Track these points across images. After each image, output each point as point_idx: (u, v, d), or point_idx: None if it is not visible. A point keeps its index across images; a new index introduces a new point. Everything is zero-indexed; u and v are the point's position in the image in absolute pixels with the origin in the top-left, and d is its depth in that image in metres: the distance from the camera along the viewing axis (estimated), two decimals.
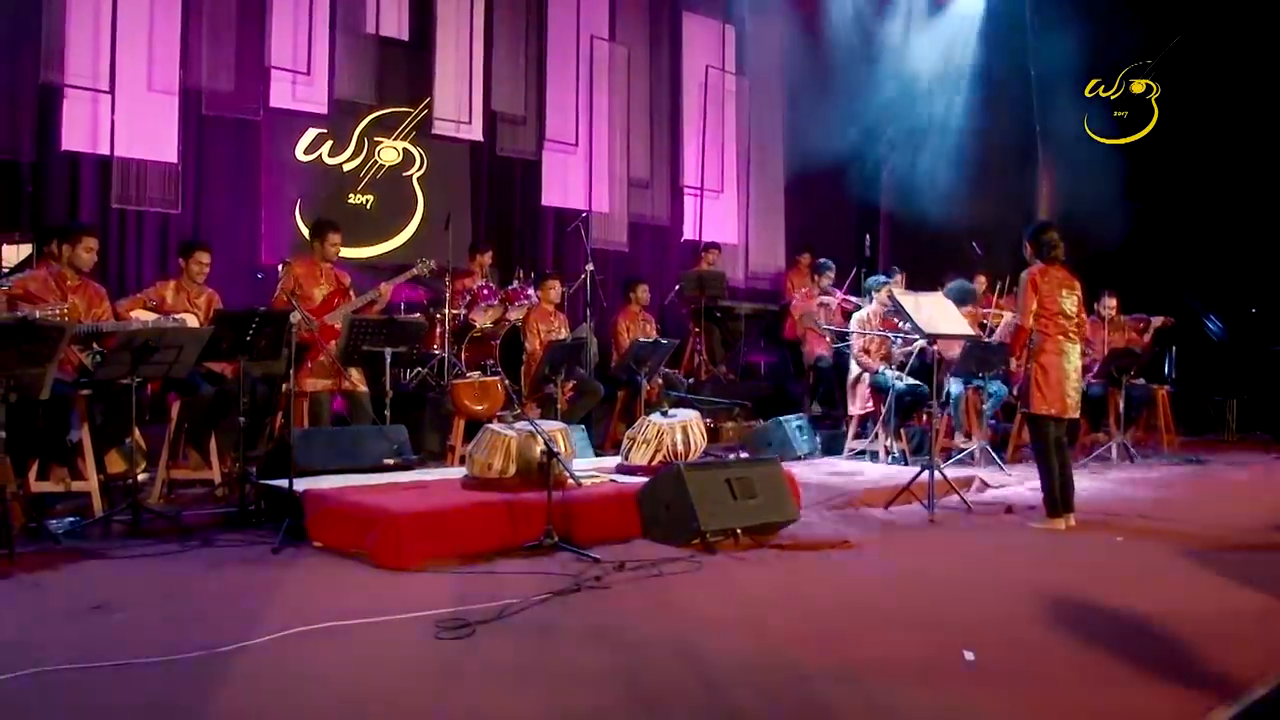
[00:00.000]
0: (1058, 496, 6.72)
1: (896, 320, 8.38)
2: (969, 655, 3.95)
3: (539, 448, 5.73)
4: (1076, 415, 6.97)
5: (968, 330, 7.77)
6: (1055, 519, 6.71)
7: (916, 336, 7.66)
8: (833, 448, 9.78)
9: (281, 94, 10.42)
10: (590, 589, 4.86)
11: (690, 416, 6.87)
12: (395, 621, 4.28)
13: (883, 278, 9.41)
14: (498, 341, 9.61)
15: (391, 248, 11.26)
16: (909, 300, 7.29)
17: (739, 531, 5.86)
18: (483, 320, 9.84)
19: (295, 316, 6.17)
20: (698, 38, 13.76)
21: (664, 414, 6.87)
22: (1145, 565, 5.79)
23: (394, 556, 5.20)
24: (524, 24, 12.09)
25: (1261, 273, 13.05)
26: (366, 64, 10.96)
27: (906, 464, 8.99)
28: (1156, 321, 10.60)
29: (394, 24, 11.11)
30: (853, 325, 9.22)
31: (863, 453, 9.41)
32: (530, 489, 5.78)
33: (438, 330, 9.63)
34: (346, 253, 10.66)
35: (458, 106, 11.52)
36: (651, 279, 12.28)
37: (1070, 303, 6.85)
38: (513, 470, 5.89)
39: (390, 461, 6.56)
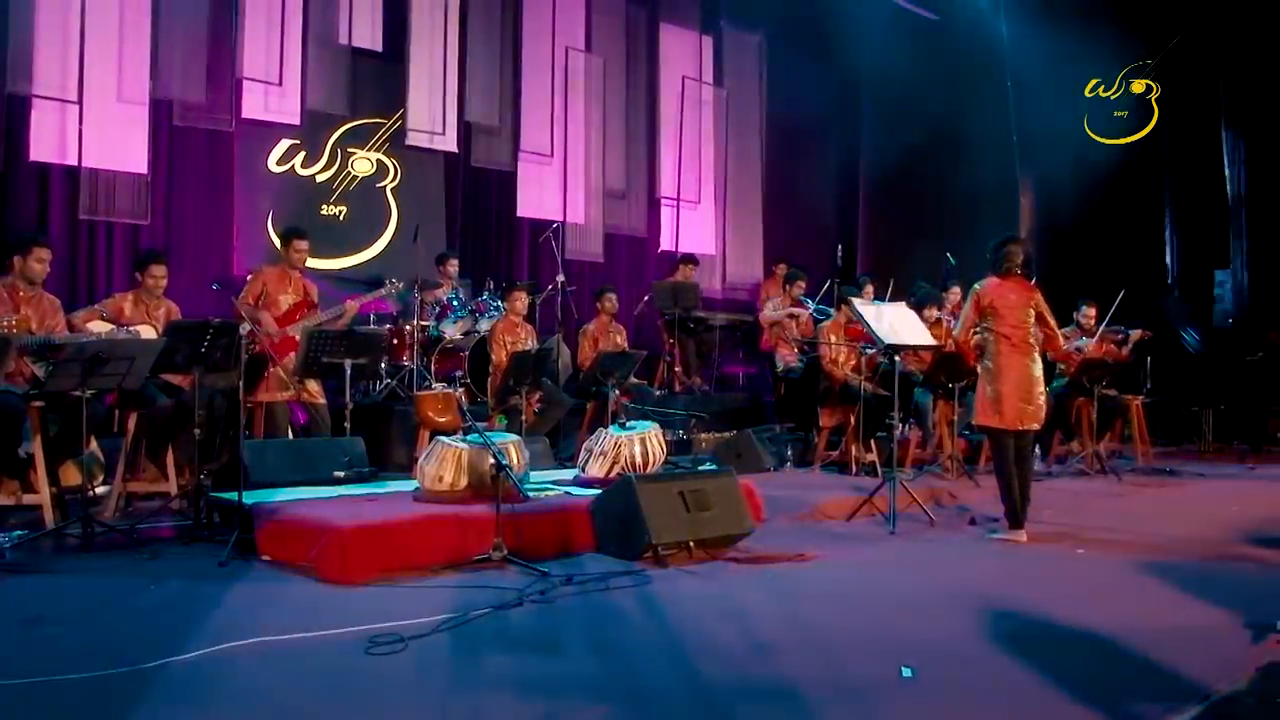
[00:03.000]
0: (1019, 508, 6.69)
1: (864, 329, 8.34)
2: (906, 672, 3.91)
3: (490, 460, 5.69)
4: (1030, 426, 6.84)
5: (930, 340, 7.73)
6: (1017, 530, 6.68)
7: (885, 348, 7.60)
8: (805, 459, 9.76)
9: (254, 105, 10.39)
10: (533, 603, 4.82)
11: (649, 429, 6.83)
12: (329, 637, 4.22)
13: (852, 290, 9.37)
14: (466, 353, 9.60)
15: (365, 259, 11.23)
16: (870, 311, 7.26)
17: (692, 544, 5.81)
18: (452, 332, 9.83)
19: (245, 328, 6.11)
20: (675, 48, 13.75)
21: (622, 426, 6.82)
22: (1102, 578, 5.75)
23: (339, 571, 5.15)
24: (498, 35, 12.07)
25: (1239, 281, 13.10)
26: (339, 75, 10.94)
27: (877, 475, 8.97)
28: (1135, 335, 10.55)
29: (367, 35, 11.08)
30: (819, 335, 9.21)
31: (833, 464, 9.37)
32: (482, 502, 5.75)
33: (407, 342, 9.62)
34: (320, 264, 10.71)
35: (431, 117, 11.49)
36: (628, 290, 12.30)
37: (1024, 315, 6.80)
38: (464, 483, 5.85)
39: (340, 474, 6.51)
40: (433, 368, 9.72)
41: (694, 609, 4.83)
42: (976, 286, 6.94)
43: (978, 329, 6.98)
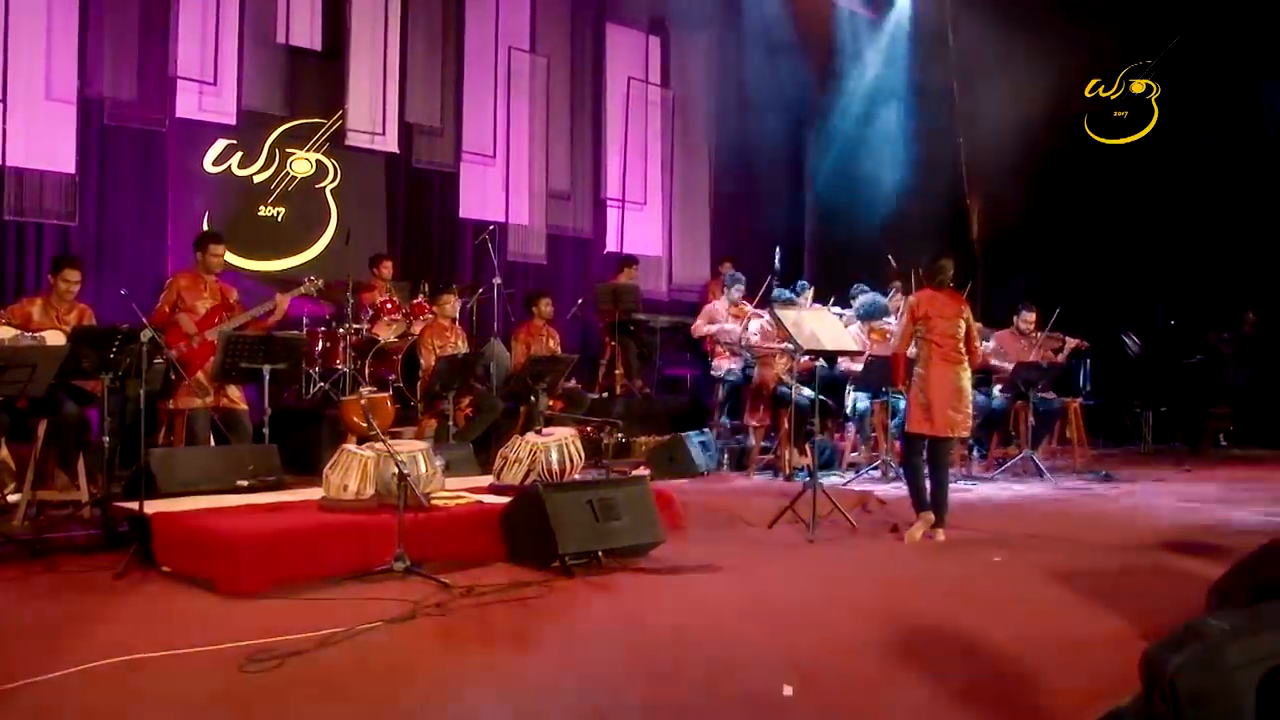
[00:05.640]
0: (925, 499, 6.87)
1: None
2: (787, 690, 3.85)
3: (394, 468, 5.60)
4: (955, 435, 7.03)
5: (852, 346, 7.73)
6: (924, 512, 6.86)
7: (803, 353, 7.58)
8: (742, 462, 9.71)
9: (188, 104, 10.25)
10: (427, 616, 4.75)
11: (566, 434, 6.75)
12: (205, 653, 4.13)
13: (786, 292, 9.31)
14: (399, 356, 9.50)
15: (303, 261, 11.08)
16: (789, 317, 7.23)
17: (601, 554, 5.75)
18: (386, 335, 9.73)
19: (146, 335, 6.00)
20: (621, 49, 13.62)
21: (538, 432, 6.75)
22: (1013, 587, 5.72)
23: (234, 582, 5.06)
24: (440, 35, 11.95)
25: (1180, 285, 13.14)
26: (277, 74, 10.81)
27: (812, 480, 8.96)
28: (1071, 343, 10.55)
29: (305, 34, 10.94)
30: (751, 338, 9.17)
31: (769, 468, 9.32)
32: (388, 511, 5.65)
33: (341, 345, 9.53)
34: (258, 266, 10.61)
35: (371, 118, 11.36)
36: (572, 292, 12.20)
37: (955, 326, 6.90)
38: (369, 492, 5.76)
39: (244, 483, 6.41)
40: (367, 371, 9.62)
41: (588, 622, 4.78)
42: (911, 298, 7.12)
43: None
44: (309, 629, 4.42)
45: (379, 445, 5.75)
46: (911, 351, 7.14)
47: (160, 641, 4.23)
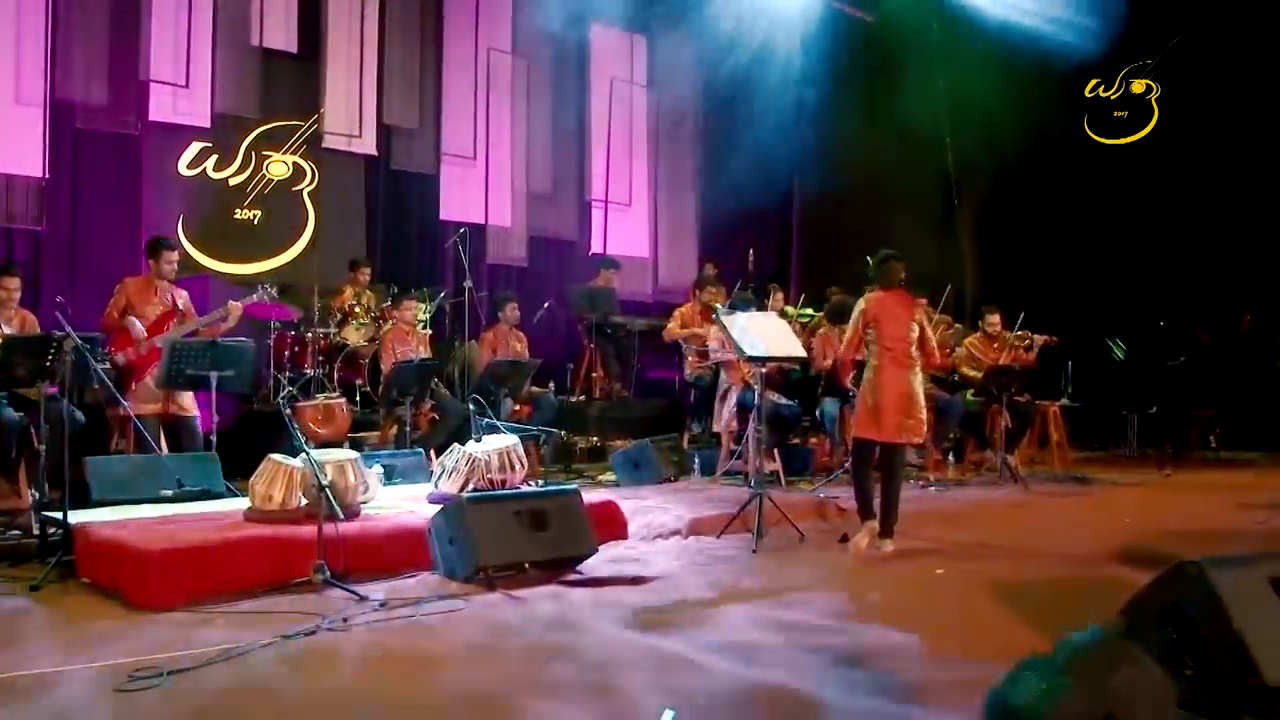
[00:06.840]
0: (872, 507, 6.71)
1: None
2: (667, 715, 3.74)
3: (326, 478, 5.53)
4: (911, 440, 6.90)
5: (799, 352, 7.61)
6: (870, 521, 6.70)
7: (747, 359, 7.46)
8: (712, 468, 9.60)
9: (161, 107, 10.25)
10: (329, 631, 4.68)
11: (508, 443, 6.67)
12: (89, 669, 4.07)
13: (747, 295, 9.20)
14: (366, 361, 9.47)
15: (280, 264, 11.04)
16: (736, 322, 7.11)
17: (528, 566, 5.67)
18: (355, 339, 9.69)
19: (69, 344, 5.95)
20: (605, 49, 13.50)
21: (478, 440, 6.67)
22: (942, 604, 5.56)
23: (144, 595, 5.00)
24: (418, 37, 11.90)
25: (1177, 286, 12.96)
26: (251, 77, 10.82)
27: (780, 485, 8.87)
28: (1040, 339, 10.36)
29: (281, 36, 10.93)
30: (710, 341, 9.08)
31: (738, 474, 9.22)
32: (315, 521, 5.58)
33: (310, 349, 9.50)
34: (234, 269, 10.59)
35: (349, 119, 11.32)
36: (555, 294, 12.08)
37: (907, 329, 6.76)
38: (296, 502, 5.70)
39: (168, 493, 6.36)
40: (335, 375, 9.59)
41: (484, 639, 4.67)
42: (861, 302, 6.93)
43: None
44: (208, 644, 4.37)
45: (303, 455, 5.68)
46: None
47: (53, 657, 4.19)
